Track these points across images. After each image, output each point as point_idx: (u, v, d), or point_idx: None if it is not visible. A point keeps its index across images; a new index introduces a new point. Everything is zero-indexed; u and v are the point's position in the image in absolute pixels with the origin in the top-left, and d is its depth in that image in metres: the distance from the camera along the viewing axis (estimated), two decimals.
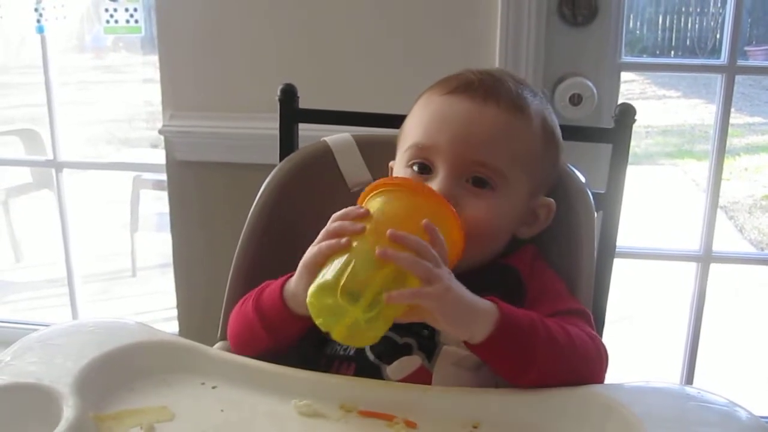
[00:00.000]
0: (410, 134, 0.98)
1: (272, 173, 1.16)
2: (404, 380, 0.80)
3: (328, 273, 0.77)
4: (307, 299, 0.77)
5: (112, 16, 2.03)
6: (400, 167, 0.99)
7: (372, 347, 0.89)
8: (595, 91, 1.67)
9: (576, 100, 1.68)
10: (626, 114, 1.14)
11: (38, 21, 2.06)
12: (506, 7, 1.63)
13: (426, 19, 1.67)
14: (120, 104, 6.59)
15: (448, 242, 0.83)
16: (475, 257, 0.94)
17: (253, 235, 1.12)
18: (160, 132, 1.84)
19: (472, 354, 0.83)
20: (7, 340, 0.96)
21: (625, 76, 1.77)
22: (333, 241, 0.79)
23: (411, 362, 0.86)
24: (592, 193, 1.08)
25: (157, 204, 4.01)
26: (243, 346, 0.93)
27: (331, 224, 0.83)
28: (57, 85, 2.13)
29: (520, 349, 0.80)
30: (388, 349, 0.88)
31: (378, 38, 1.69)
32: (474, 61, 1.43)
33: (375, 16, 1.69)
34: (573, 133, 1.20)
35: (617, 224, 1.18)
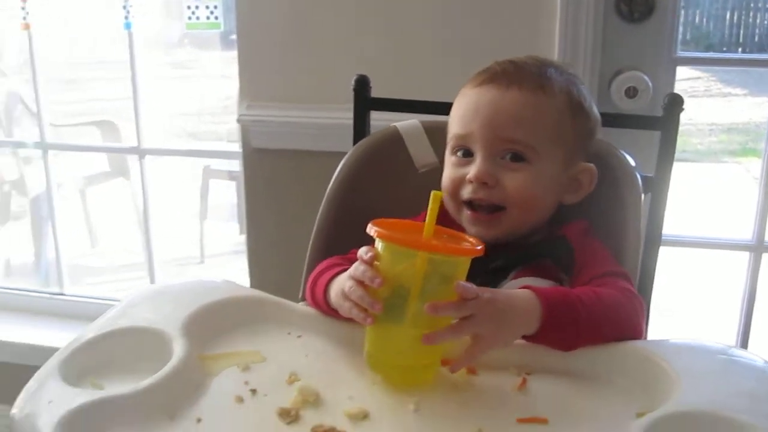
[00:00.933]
0: (451, 126, 1.12)
1: (346, 156, 1.27)
2: None
3: (371, 343, 0.89)
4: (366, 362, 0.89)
5: (193, 12, 2.17)
6: (447, 156, 1.13)
7: None
8: (650, 84, 1.74)
9: (632, 92, 1.75)
10: (674, 103, 1.22)
11: (126, 18, 2.21)
12: (565, 4, 1.71)
13: (490, 16, 1.75)
14: (190, 99, 6.79)
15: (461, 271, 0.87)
16: (523, 224, 1.07)
17: (329, 214, 1.24)
18: (238, 120, 1.96)
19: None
20: (88, 315, 1.06)
21: (689, 73, 1.83)
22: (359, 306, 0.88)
23: None
24: (642, 176, 1.17)
25: (226, 194, 4.18)
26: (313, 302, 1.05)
27: (361, 272, 0.88)
28: (140, 76, 2.28)
29: (567, 329, 0.89)
30: None
31: (444, 33, 1.78)
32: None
33: (441, 13, 1.78)
34: (624, 120, 1.29)
35: (665, 206, 1.26)
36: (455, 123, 1.11)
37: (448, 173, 1.11)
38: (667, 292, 2.09)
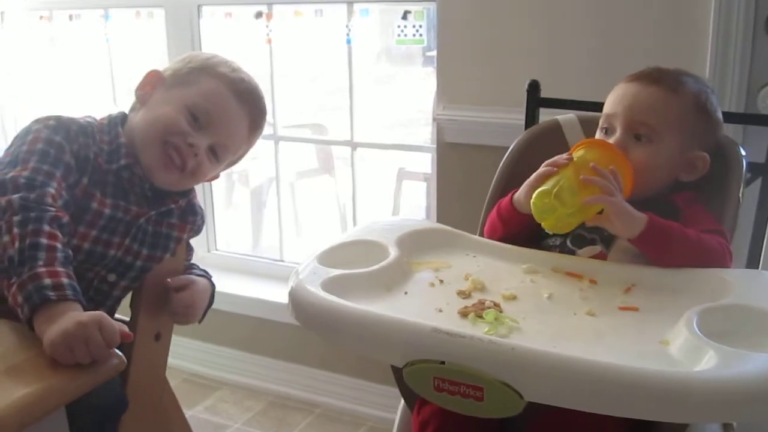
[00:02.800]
0: (604, 109, 1.48)
1: (518, 138, 1.67)
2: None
3: (546, 185, 1.28)
4: (531, 200, 1.29)
5: (402, 31, 2.64)
6: (597, 132, 1.50)
7: (571, 239, 1.38)
8: None
9: None
10: None
11: (347, 34, 2.72)
12: (717, 21, 1.96)
13: (645, 31, 2.03)
14: (389, 110, 7.35)
15: (623, 181, 1.31)
16: (640, 189, 1.40)
17: (502, 178, 1.64)
18: (434, 119, 2.38)
19: (634, 246, 1.30)
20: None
21: None
22: (548, 168, 1.30)
23: (594, 249, 1.34)
24: (755, 163, 1.49)
25: (417, 195, 4.64)
26: (489, 235, 1.47)
27: (549, 161, 1.35)
28: (356, 84, 2.78)
29: (661, 242, 1.26)
30: (581, 241, 1.38)
31: (603, 45, 2.07)
32: (686, 67, 1.79)
33: (600, 25, 2.07)
34: (741, 117, 1.60)
35: None
36: (607, 106, 1.48)
37: None
38: None
